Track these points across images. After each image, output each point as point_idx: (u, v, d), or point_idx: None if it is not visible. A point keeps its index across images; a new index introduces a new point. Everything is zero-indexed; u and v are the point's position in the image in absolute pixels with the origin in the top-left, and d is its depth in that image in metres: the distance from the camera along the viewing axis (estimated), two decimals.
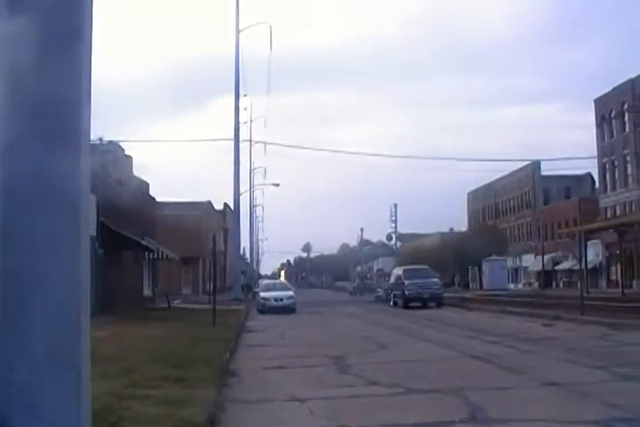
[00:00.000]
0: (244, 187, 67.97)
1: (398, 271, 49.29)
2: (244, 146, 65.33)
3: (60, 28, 2.06)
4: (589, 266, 62.79)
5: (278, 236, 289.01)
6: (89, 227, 2.06)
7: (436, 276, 47.85)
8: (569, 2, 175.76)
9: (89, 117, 2.13)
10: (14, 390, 1.91)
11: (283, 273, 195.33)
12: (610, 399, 9.62)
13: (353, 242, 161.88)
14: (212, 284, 37.66)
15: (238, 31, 55.97)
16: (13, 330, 1.92)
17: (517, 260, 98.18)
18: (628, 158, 70.94)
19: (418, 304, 42.74)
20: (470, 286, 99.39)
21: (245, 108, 67.11)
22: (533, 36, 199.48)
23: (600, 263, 73.64)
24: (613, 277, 69.33)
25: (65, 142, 2.03)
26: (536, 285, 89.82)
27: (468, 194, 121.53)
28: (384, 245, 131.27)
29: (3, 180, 1.97)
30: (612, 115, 73.54)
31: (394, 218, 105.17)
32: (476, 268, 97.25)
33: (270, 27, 60.74)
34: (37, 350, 1.94)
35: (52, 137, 2.01)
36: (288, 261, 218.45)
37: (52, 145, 2.01)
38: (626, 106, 70.74)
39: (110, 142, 41.07)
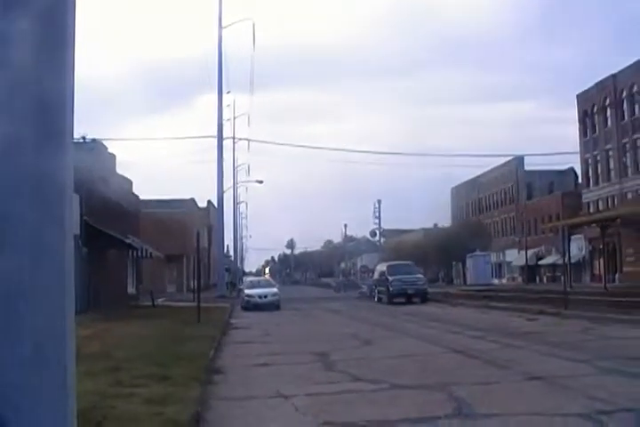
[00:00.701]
0: (227, 184, 68.09)
1: (382, 267, 49.33)
2: (227, 143, 65.40)
3: (44, 25, 2.06)
4: (573, 261, 63.06)
5: (262, 233, 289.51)
6: (73, 225, 2.07)
7: (420, 271, 47.98)
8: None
9: (72, 116, 2.14)
10: None
11: (268, 270, 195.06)
12: (592, 393, 9.71)
13: (337, 238, 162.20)
14: (196, 281, 37.60)
15: (221, 28, 55.93)
16: None
17: (501, 255, 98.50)
18: (611, 153, 71.27)
19: (402, 300, 42.80)
20: (454, 281, 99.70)
21: (229, 106, 67.10)
22: (518, 33, 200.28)
23: (583, 258, 73.96)
24: (596, 271, 69.65)
25: (48, 141, 2.03)
26: (520, 279, 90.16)
27: (452, 189, 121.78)
28: (368, 241, 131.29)
29: None
30: (595, 110, 73.85)
31: (377, 214, 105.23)
32: (460, 263, 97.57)
33: (253, 24, 60.82)
34: (21, 348, 1.94)
35: (35, 135, 2.01)
36: (272, 257, 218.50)
37: (34, 144, 2.01)
38: (608, 101, 71.08)
39: (94, 140, 40.94)
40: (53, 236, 1.98)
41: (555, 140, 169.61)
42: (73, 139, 2.18)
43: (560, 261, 61.93)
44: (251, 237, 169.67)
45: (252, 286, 45.11)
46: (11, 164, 1.94)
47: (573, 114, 79.05)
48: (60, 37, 2.05)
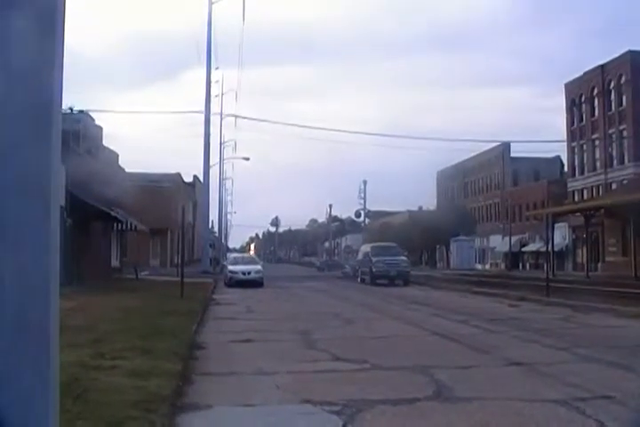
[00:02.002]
0: (214, 160, 67.87)
1: (366, 248, 49.44)
2: (214, 119, 65.10)
3: (32, 16, 2.05)
4: (556, 248, 63.39)
5: (247, 209, 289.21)
6: (58, 198, 2.07)
7: (404, 254, 48.08)
8: None
9: (60, 90, 2.13)
10: None
11: (253, 247, 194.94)
12: (570, 379, 9.80)
13: (322, 218, 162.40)
14: (180, 256, 37.61)
15: (211, 3, 55.60)
16: None
17: (485, 240, 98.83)
18: (597, 143, 71.48)
19: (384, 282, 42.95)
20: (437, 264, 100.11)
21: (217, 81, 66.76)
22: (508, 19, 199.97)
23: (566, 246, 74.33)
24: (579, 260, 70.05)
25: (36, 116, 2.02)
26: (503, 266, 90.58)
27: (438, 173, 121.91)
28: (353, 221, 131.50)
29: None
30: (582, 99, 73.93)
31: (363, 195, 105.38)
32: (444, 247, 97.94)
33: None
34: (4, 319, 1.94)
35: (22, 112, 2.00)
36: (257, 235, 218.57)
37: (21, 120, 2.00)
38: (595, 91, 71.15)
39: (81, 112, 40.77)
40: (39, 207, 1.98)
41: (542, 128, 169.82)
42: (61, 113, 2.17)
43: (543, 249, 62.25)
44: (235, 213, 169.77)
45: (236, 262, 45.15)
46: None
47: (561, 102, 79.24)
48: (50, 30, 2.04)
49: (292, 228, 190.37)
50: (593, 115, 72.20)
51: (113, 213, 39.28)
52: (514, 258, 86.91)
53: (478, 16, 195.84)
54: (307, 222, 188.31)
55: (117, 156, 49.24)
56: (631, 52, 65.15)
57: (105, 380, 8.63)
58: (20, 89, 1.97)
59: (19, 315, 1.92)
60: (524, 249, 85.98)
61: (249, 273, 41.65)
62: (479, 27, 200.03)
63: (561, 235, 70.91)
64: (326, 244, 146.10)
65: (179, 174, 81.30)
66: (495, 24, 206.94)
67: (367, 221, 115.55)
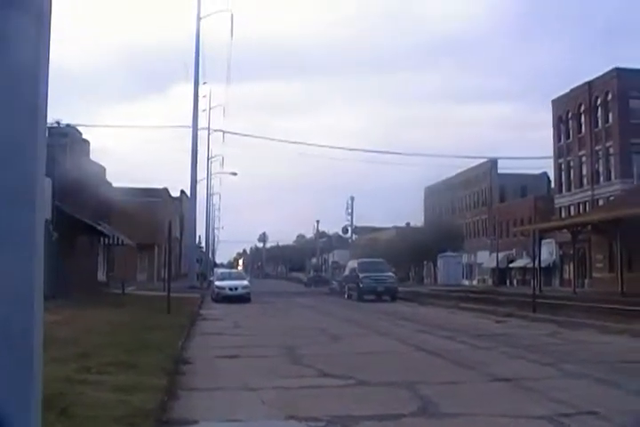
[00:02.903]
0: (201, 174, 67.75)
1: (353, 264, 49.38)
2: (202, 134, 65.08)
3: (17, 9, 2.05)
4: (543, 265, 63.53)
5: (235, 225, 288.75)
6: (44, 210, 2.07)
7: (391, 270, 48.08)
8: (534, 2, 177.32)
9: (46, 103, 2.13)
10: None
11: (241, 262, 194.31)
12: (555, 395, 9.81)
13: (309, 233, 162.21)
14: (166, 271, 37.50)
15: (199, 18, 55.75)
16: None
17: (472, 256, 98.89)
18: (584, 159, 71.74)
19: (372, 297, 42.89)
20: (425, 280, 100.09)
21: (204, 96, 66.85)
22: (495, 36, 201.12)
23: (554, 262, 74.49)
24: (566, 276, 70.15)
25: (20, 126, 2.03)
26: (490, 281, 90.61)
27: (426, 189, 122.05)
28: (340, 237, 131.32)
29: None
30: (569, 116, 74.27)
31: (350, 211, 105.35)
32: (431, 263, 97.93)
33: (232, 15, 60.52)
34: None
35: (5, 124, 2.01)
36: (244, 250, 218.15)
37: (6, 131, 2.01)
38: (582, 108, 71.51)
39: (68, 126, 40.71)
40: (24, 220, 1.98)
41: (529, 145, 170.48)
42: (46, 125, 2.17)
43: (531, 265, 62.26)
44: (223, 228, 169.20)
45: (223, 277, 45.06)
46: None
47: (548, 119, 79.57)
48: (35, 29, 2.05)
49: (280, 243, 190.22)
50: (580, 131, 72.52)
51: (99, 228, 39.18)
52: (501, 274, 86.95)
53: (465, 33, 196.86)
54: (294, 238, 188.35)
55: (104, 170, 49.13)
56: (617, 69, 65.56)
57: (90, 394, 8.59)
58: (2, 101, 1.98)
59: (1, 328, 1.91)
60: (511, 265, 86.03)
61: (236, 289, 41.58)
62: (466, 43, 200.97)
63: (548, 251, 71.07)
64: (313, 259, 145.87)
65: (166, 189, 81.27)
66: (482, 40, 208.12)
67: (354, 236, 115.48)
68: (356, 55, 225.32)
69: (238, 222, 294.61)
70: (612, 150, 67.11)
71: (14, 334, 1.94)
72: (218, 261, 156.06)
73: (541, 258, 56.83)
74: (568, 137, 74.91)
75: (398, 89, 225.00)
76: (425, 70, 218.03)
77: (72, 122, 42.84)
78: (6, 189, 1.95)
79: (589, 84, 70.46)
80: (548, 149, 78.90)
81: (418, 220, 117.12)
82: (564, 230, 61.41)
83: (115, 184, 53.23)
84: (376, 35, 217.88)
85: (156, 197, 74.68)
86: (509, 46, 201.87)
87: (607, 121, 67.92)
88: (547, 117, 79.78)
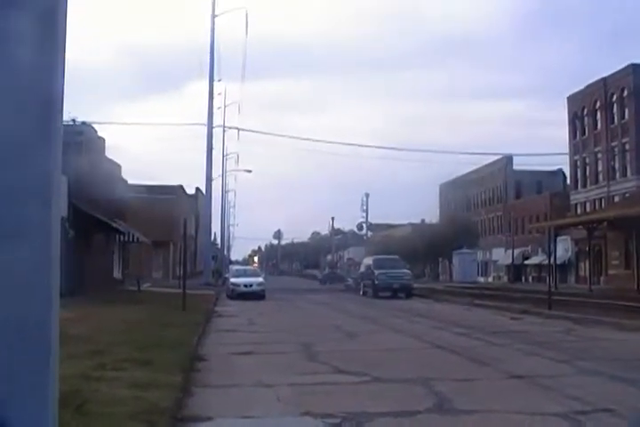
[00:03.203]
0: (216, 172, 67.84)
1: (368, 261, 49.36)
2: (217, 131, 65.12)
3: (32, 11, 2.06)
4: (559, 261, 63.24)
5: (250, 222, 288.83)
6: (60, 208, 2.08)
7: (406, 266, 48.00)
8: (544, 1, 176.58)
9: (61, 100, 2.14)
10: None
11: (256, 259, 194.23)
12: (570, 392, 9.79)
13: (324, 230, 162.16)
14: (182, 268, 37.61)
15: (214, 16, 55.79)
16: None
17: (488, 253, 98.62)
18: (599, 156, 71.40)
19: (387, 294, 42.85)
20: (440, 277, 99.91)
21: (219, 94, 66.85)
22: (509, 32, 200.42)
23: (569, 259, 74.20)
24: (582, 273, 69.85)
25: (36, 124, 2.04)
26: (505, 278, 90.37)
27: (441, 186, 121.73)
28: (355, 234, 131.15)
29: None
30: (585, 112, 73.93)
31: (365, 207, 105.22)
32: (447, 260, 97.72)
33: (246, 13, 60.50)
34: (4, 330, 1.96)
35: (23, 119, 2.02)
36: (259, 247, 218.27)
37: (22, 128, 2.02)
38: (598, 104, 71.18)
39: (83, 123, 40.85)
40: (40, 218, 1.99)
41: (544, 141, 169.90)
42: (62, 122, 2.18)
43: (546, 262, 62.06)
44: (238, 225, 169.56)
45: (238, 274, 45.14)
46: None
47: (564, 115, 79.21)
48: (51, 31, 2.06)
49: (295, 240, 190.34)
50: (595, 128, 72.18)
51: (115, 225, 39.30)
52: (516, 271, 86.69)
53: (479, 29, 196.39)
54: (309, 235, 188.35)
55: (120, 167, 49.29)
56: (633, 65, 65.17)
57: (106, 391, 8.63)
58: (19, 97, 1.99)
59: (18, 326, 1.93)
60: (526, 262, 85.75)
61: (251, 285, 41.63)
62: (480, 40, 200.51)
63: (563, 248, 70.80)
64: (329, 256, 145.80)
65: (181, 187, 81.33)
66: (496, 37, 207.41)
67: (369, 233, 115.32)
68: (371, 52, 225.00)
69: (253, 219, 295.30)
70: (627, 146, 66.75)
71: (31, 332, 1.96)
72: (233, 258, 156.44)
73: (557, 255, 56.57)
74: (583, 133, 74.56)
75: (411, 87, 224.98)
76: (436, 68, 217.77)
77: (87, 120, 43.02)
78: (22, 188, 1.97)
79: (605, 80, 70.09)
80: (562, 145, 78.64)
81: (433, 216, 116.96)
82: (580, 227, 61.14)
83: (130, 182, 53.41)
84: (388, 34, 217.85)
85: (172, 194, 74.70)
86: (520, 44, 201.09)
87: (623, 117, 67.56)
88: (560, 114, 79.48)
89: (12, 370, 1.93)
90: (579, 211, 72.94)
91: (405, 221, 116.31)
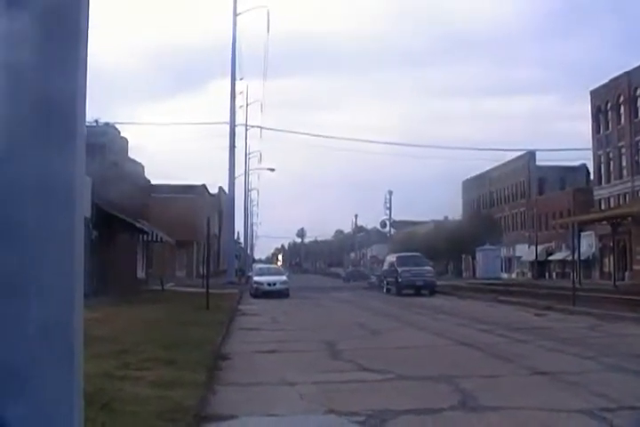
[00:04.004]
0: (239, 171, 67.93)
1: (392, 258, 49.32)
2: (239, 130, 65.24)
3: (56, 15, 2.08)
4: (582, 257, 62.87)
5: (273, 221, 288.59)
6: (84, 209, 2.10)
7: (430, 263, 47.91)
8: None
9: (84, 101, 2.16)
10: (7, 369, 1.95)
11: (280, 257, 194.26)
12: (596, 389, 9.72)
13: (347, 228, 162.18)
14: (205, 267, 37.68)
15: (236, 15, 55.86)
16: (7, 310, 1.95)
17: (511, 249, 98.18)
18: (623, 151, 70.87)
19: (410, 291, 42.79)
20: (463, 274, 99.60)
21: (241, 92, 66.95)
22: (533, 27, 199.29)
23: (593, 255, 73.71)
24: (606, 268, 69.39)
25: (59, 126, 2.05)
26: (529, 275, 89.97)
27: (464, 182, 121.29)
28: (378, 231, 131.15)
29: None
30: (608, 106, 73.41)
31: (388, 205, 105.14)
32: (470, 256, 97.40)
33: (268, 11, 60.58)
34: (30, 330, 1.97)
35: (46, 121, 2.03)
36: (282, 246, 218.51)
37: (46, 129, 2.03)
38: (622, 98, 70.66)
39: (106, 124, 41.07)
40: (64, 218, 2.01)
41: (567, 136, 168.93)
42: (85, 125, 2.20)
43: (570, 258, 61.71)
44: (261, 224, 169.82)
45: (262, 273, 45.19)
46: (22, 153, 1.97)
47: (587, 110, 78.69)
48: (73, 35, 2.07)
49: (318, 238, 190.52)
50: (619, 122, 71.66)
51: (138, 225, 39.45)
52: (540, 267, 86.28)
53: (500, 24, 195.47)
54: (332, 233, 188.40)
55: (143, 167, 49.50)
56: None
57: (130, 390, 8.68)
58: (42, 98, 2.01)
59: (43, 325, 1.95)
60: (550, 258, 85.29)
61: (274, 284, 41.66)
62: (501, 35, 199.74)
63: (587, 243, 70.35)
64: (352, 254, 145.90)
65: (204, 186, 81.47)
66: (517, 32, 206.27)
67: (393, 231, 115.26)
68: (393, 50, 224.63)
69: (276, 218, 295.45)
70: None
71: (56, 332, 1.97)
72: (256, 256, 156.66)
73: (581, 251, 56.20)
74: (607, 128, 74.07)
75: (435, 82, 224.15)
76: (458, 65, 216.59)
77: (110, 120, 43.24)
78: (47, 189, 1.99)
79: (628, 74, 69.55)
80: (584, 140, 78.15)
81: (456, 213, 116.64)
82: (604, 222, 60.72)
83: (153, 181, 53.61)
84: (410, 31, 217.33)
85: (195, 193, 74.89)
86: (542, 40, 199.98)
87: None
88: (585, 109, 78.92)
89: (38, 369, 1.95)
90: (602, 206, 72.43)
91: (428, 218, 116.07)
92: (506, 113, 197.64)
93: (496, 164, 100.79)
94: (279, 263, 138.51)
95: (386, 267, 49.63)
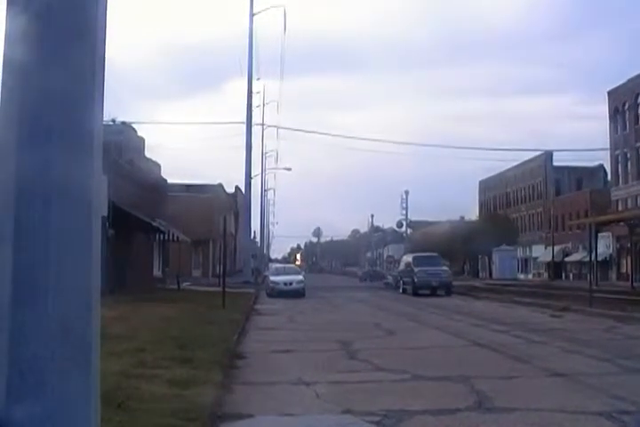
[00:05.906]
0: (255, 170, 68.02)
1: (408, 258, 49.28)
2: (256, 129, 65.30)
3: (72, 17, 2.08)
4: (599, 258, 62.60)
5: (289, 220, 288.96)
6: (101, 208, 2.10)
7: (446, 264, 47.89)
8: None
9: (101, 100, 2.16)
10: (24, 366, 1.96)
11: (299, 257, 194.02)
12: (614, 391, 9.65)
13: (363, 228, 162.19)
14: (221, 266, 37.74)
15: (252, 15, 55.93)
16: (25, 308, 1.96)
17: (527, 250, 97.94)
18: None
19: (426, 292, 42.74)
20: (480, 274, 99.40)
21: (258, 92, 67.03)
22: (549, 27, 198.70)
23: (610, 256, 73.40)
24: (624, 270, 69.08)
25: (76, 125, 2.06)
26: (545, 275, 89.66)
27: (480, 183, 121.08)
28: (394, 231, 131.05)
29: (16, 173, 2.00)
30: (626, 107, 73.03)
31: (404, 205, 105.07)
32: (486, 257, 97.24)
33: (284, 10, 60.59)
34: (48, 327, 1.98)
35: (63, 120, 2.04)
36: (298, 245, 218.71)
37: (62, 129, 2.04)
38: (639, 98, 70.28)
39: (123, 123, 41.23)
40: (81, 218, 2.01)
41: (585, 137, 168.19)
42: (102, 123, 2.20)
43: (587, 259, 61.44)
44: (277, 223, 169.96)
45: (278, 272, 45.21)
46: (40, 156, 1.97)
47: (604, 110, 78.32)
48: (91, 33, 2.08)
49: (334, 238, 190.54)
50: (637, 122, 71.30)
51: (155, 224, 39.55)
52: (557, 268, 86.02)
53: (517, 25, 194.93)
54: (349, 233, 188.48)
55: (159, 166, 49.68)
56: None
57: (146, 388, 8.69)
58: (58, 98, 2.01)
59: (61, 324, 1.95)
60: (566, 259, 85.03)
61: (290, 283, 41.65)
62: (519, 34, 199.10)
63: (605, 244, 70.06)
64: (368, 254, 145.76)
65: (221, 185, 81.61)
66: (534, 32, 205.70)
67: (409, 231, 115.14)
68: (410, 50, 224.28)
69: (293, 217, 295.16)
70: None
71: (73, 330, 1.98)
72: (272, 256, 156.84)
73: (598, 252, 56.03)
74: (625, 128, 73.70)
75: (452, 83, 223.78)
76: (476, 66, 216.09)
77: (127, 120, 43.39)
78: (64, 188, 1.99)
79: None
80: (600, 140, 77.80)
81: (472, 213, 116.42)
82: (621, 223, 60.37)
83: (170, 181, 53.75)
84: (430, 32, 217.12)
85: (211, 192, 75.02)
86: (558, 40, 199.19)
87: None
88: (603, 109, 78.57)
89: (56, 367, 1.95)
90: (620, 207, 72.08)
91: (445, 219, 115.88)
92: (523, 113, 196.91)
93: (513, 164, 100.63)
94: (298, 263, 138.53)
95: (402, 267, 49.59)
